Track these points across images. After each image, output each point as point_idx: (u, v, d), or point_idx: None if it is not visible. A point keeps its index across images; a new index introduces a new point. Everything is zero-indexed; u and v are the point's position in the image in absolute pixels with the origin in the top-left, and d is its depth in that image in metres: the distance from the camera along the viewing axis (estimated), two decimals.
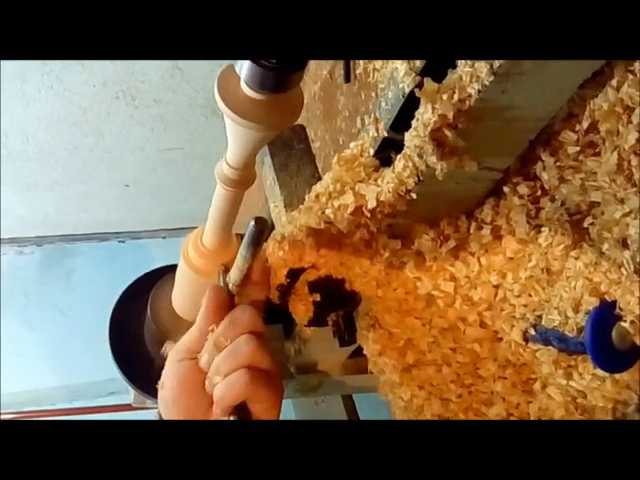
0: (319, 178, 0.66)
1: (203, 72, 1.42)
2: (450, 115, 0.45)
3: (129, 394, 1.01)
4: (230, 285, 0.55)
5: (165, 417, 0.55)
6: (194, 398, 0.54)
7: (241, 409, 0.51)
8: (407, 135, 0.49)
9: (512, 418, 0.63)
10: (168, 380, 0.55)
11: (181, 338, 0.57)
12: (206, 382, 0.53)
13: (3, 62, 1.26)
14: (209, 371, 0.53)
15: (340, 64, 0.80)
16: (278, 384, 0.53)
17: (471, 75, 0.43)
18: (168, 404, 0.55)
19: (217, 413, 0.52)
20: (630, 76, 0.45)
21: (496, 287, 0.59)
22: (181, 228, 2.01)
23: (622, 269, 0.48)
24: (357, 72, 0.77)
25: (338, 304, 0.69)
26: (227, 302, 0.55)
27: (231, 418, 0.51)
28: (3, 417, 1.80)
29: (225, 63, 0.47)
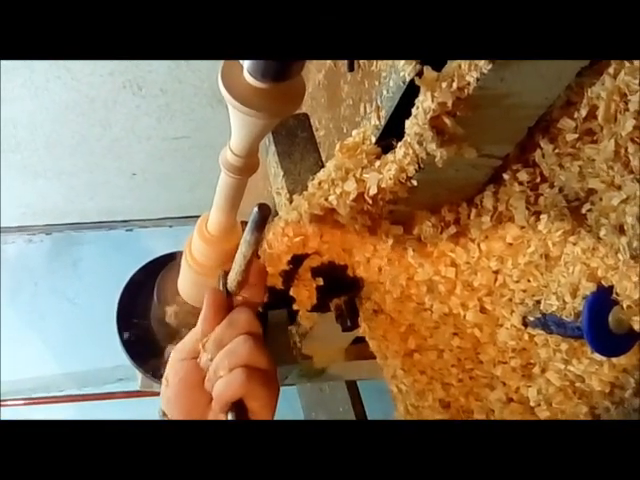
0: (322, 166, 0.67)
1: (208, 62, 1.42)
2: (449, 103, 0.46)
3: (136, 380, 1.02)
4: (230, 284, 0.58)
5: (167, 413, 0.58)
6: (194, 395, 0.56)
7: (238, 406, 0.54)
8: (407, 123, 0.50)
9: (512, 403, 0.63)
10: (171, 378, 0.58)
11: (184, 339, 0.59)
12: (206, 380, 0.56)
13: None
14: (209, 370, 0.56)
15: None
16: (274, 382, 0.56)
17: (470, 63, 0.44)
18: (170, 401, 0.58)
19: (215, 410, 0.55)
20: (627, 63, 0.46)
21: (496, 273, 0.59)
22: (187, 216, 2.02)
23: (619, 255, 0.49)
24: (360, 61, 0.78)
25: (341, 290, 0.70)
26: (226, 304, 0.58)
27: (229, 414, 0.54)
28: (12, 403, 1.82)
29: None
